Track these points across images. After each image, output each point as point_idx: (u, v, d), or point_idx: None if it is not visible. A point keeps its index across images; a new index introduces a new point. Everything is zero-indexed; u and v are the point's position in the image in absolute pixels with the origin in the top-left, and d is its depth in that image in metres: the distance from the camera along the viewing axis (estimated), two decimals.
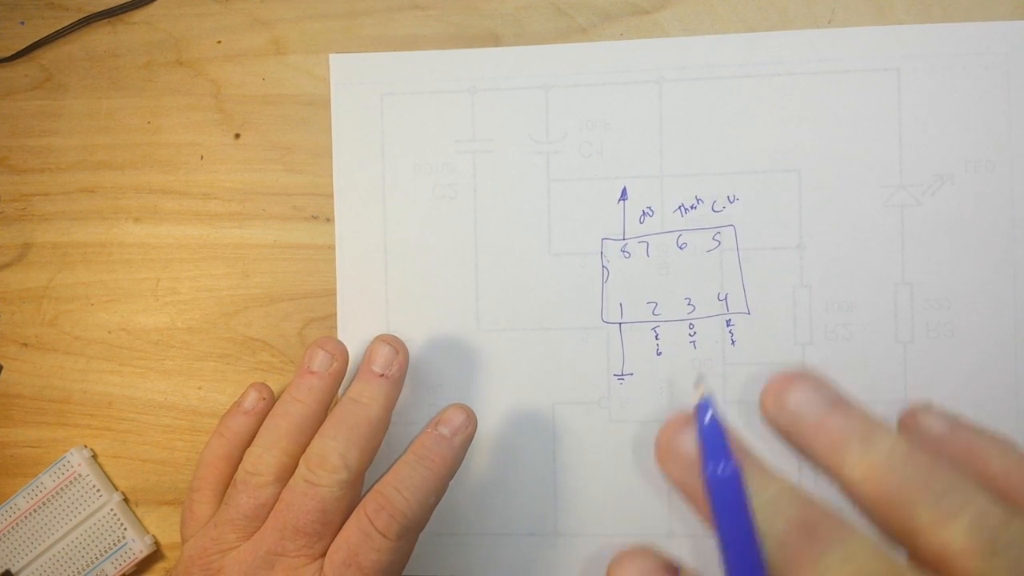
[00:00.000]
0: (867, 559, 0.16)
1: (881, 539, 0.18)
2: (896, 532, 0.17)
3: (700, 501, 0.19)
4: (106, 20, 0.38)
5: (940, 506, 0.17)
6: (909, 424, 0.20)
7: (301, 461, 0.31)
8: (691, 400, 0.20)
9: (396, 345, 0.33)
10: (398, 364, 0.33)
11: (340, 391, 0.34)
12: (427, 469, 0.31)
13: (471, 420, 0.33)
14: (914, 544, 0.17)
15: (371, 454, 0.32)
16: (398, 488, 0.30)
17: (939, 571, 0.17)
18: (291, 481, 0.31)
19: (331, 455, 0.30)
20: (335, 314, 0.37)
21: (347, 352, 0.33)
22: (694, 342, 0.35)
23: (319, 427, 0.32)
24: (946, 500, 0.17)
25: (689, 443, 0.19)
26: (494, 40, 0.36)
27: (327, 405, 0.33)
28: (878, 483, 0.17)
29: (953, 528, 0.16)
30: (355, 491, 0.31)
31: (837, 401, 0.19)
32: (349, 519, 0.30)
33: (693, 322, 0.35)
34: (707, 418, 0.19)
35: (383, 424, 0.32)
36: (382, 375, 0.32)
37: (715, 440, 0.18)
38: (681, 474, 0.19)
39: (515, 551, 0.36)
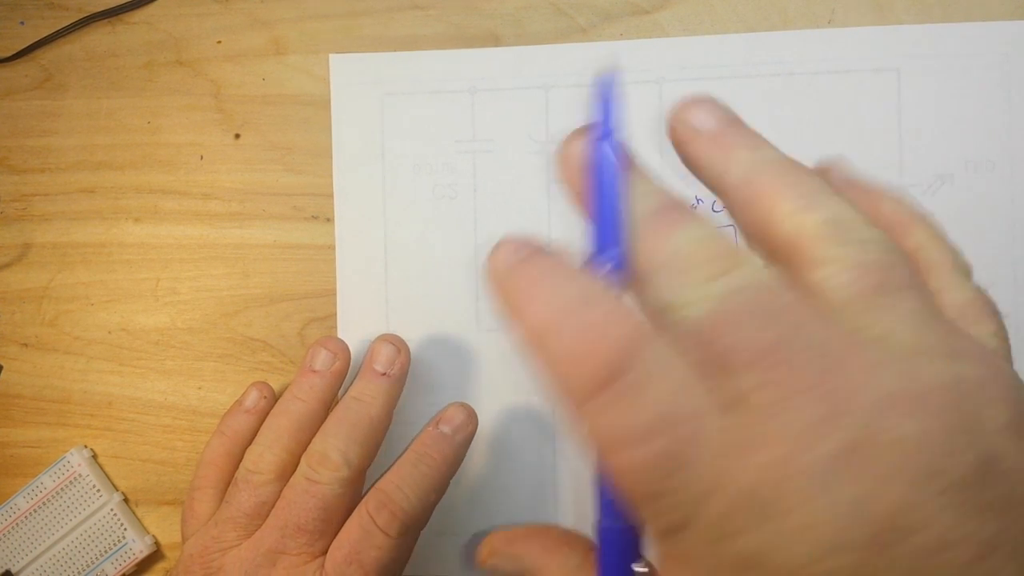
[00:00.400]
0: (713, 239, 0.17)
1: (744, 242, 0.18)
2: (756, 230, 0.18)
3: (580, 193, 0.19)
4: (106, 20, 0.38)
5: (802, 200, 0.17)
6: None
7: (302, 459, 0.31)
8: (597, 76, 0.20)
9: (398, 344, 0.33)
10: (400, 363, 0.33)
11: (341, 392, 0.34)
12: (428, 467, 0.31)
13: (472, 419, 0.33)
14: (769, 239, 0.17)
15: (372, 452, 0.32)
16: (400, 486, 0.30)
17: (787, 262, 0.17)
18: (292, 479, 0.31)
19: (332, 453, 0.30)
20: (335, 314, 0.37)
21: (349, 351, 0.33)
22: None
23: (320, 426, 0.32)
24: (810, 198, 0.17)
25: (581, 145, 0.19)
26: (494, 40, 0.36)
27: (329, 404, 0.33)
28: (753, 183, 0.18)
29: (810, 217, 0.17)
30: (356, 489, 0.31)
31: (733, 120, 0.19)
32: (351, 517, 0.30)
33: None
34: (603, 90, 0.19)
35: (384, 423, 0.32)
36: (384, 374, 0.33)
37: (606, 112, 0.19)
38: (570, 175, 0.19)
39: None
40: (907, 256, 0.17)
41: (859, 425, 0.14)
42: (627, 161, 0.19)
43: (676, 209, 0.18)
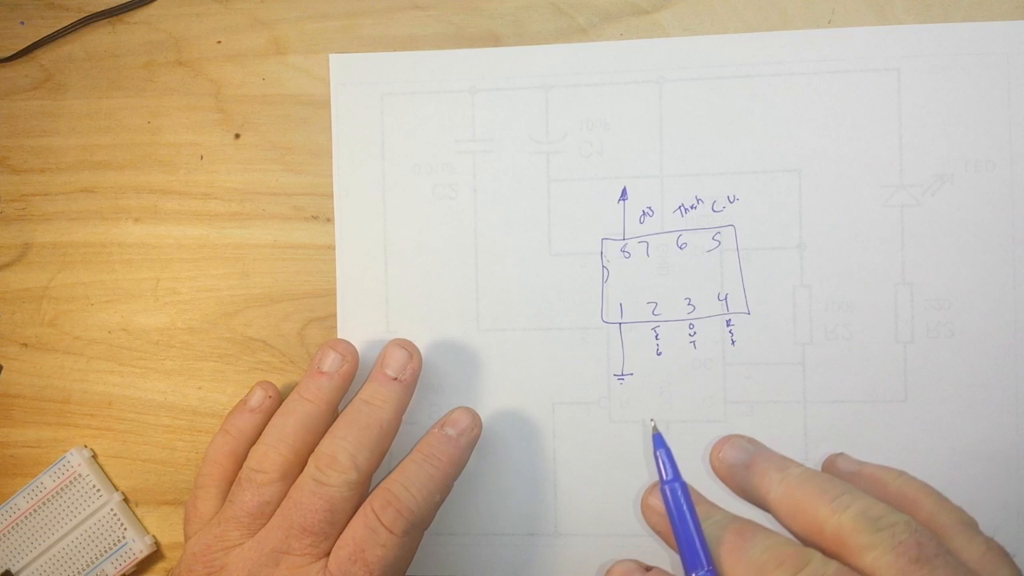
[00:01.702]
0: (782, 545, 0.22)
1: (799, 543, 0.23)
2: (807, 532, 0.23)
3: (668, 532, 0.25)
4: (106, 20, 0.38)
5: (835, 502, 0.22)
6: (829, 465, 0.27)
7: (310, 460, 0.31)
8: (648, 432, 0.27)
9: (410, 349, 0.33)
10: (411, 368, 0.33)
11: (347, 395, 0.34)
12: (434, 467, 0.31)
13: (476, 422, 0.33)
14: (820, 537, 0.23)
15: (380, 456, 0.32)
16: (405, 485, 0.30)
17: (838, 553, 0.22)
18: (299, 480, 0.31)
19: (341, 455, 0.30)
20: (335, 314, 0.37)
21: (357, 354, 0.33)
22: (694, 342, 0.35)
23: (325, 427, 0.32)
24: (840, 499, 0.23)
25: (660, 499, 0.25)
26: (494, 40, 0.36)
27: (335, 406, 0.33)
28: (792, 497, 0.24)
29: (846, 515, 0.22)
30: (362, 492, 0.31)
31: (760, 449, 0.26)
32: (355, 515, 0.30)
33: (693, 322, 0.35)
34: (660, 448, 0.25)
35: (393, 427, 0.32)
36: (395, 379, 0.33)
37: (667, 463, 0.25)
38: (656, 521, 0.26)
39: (515, 551, 0.36)
40: (927, 529, 0.22)
41: None
42: (696, 496, 0.25)
43: (744, 527, 0.24)
